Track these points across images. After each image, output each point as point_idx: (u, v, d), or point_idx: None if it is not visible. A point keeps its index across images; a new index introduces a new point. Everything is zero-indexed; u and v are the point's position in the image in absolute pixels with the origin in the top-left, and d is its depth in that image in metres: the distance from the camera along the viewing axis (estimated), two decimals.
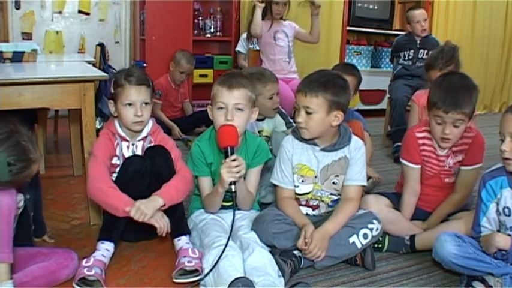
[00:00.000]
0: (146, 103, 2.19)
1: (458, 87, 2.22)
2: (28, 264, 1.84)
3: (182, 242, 2.13)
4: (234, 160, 2.04)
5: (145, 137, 2.27)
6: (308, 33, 4.47)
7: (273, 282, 1.84)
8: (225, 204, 2.28)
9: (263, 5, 4.18)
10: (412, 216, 2.44)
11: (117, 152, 2.23)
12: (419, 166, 2.40)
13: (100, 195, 2.08)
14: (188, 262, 1.99)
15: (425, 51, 4.50)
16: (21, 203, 1.87)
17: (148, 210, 2.02)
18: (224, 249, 1.92)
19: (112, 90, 2.21)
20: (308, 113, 2.11)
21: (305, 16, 4.53)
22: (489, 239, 1.93)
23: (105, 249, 2.04)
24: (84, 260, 1.94)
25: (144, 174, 2.13)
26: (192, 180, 2.26)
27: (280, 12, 4.38)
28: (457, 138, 2.28)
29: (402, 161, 2.46)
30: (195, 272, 1.96)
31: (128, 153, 2.24)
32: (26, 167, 1.66)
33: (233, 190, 2.06)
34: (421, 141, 2.39)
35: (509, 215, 1.93)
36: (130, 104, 2.15)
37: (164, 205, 2.07)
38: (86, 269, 1.89)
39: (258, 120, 2.81)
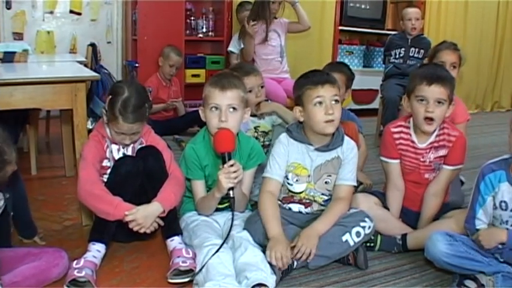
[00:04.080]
0: (136, 133, 2.18)
1: (437, 68, 2.37)
2: (18, 265, 1.83)
3: (175, 242, 2.13)
4: (231, 165, 2.04)
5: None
6: (297, 22, 4.50)
7: (266, 277, 1.85)
8: (218, 206, 2.27)
9: (256, 28, 4.24)
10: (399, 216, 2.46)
11: (108, 155, 2.22)
12: (397, 161, 2.43)
13: (91, 199, 2.07)
14: (183, 262, 1.99)
15: (416, 50, 4.52)
16: (1, 203, 1.87)
17: (147, 221, 2.04)
18: (218, 249, 1.92)
19: (106, 107, 2.16)
20: (337, 102, 2.16)
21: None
22: (490, 233, 1.93)
23: (96, 250, 2.03)
24: (75, 262, 1.94)
25: (136, 174, 2.12)
26: (185, 182, 2.25)
27: (276, 11, 4.40)
28: (440, 120, 2.31)
29: (381, 158, 2.49)
30: (189, 272, 1.96)
31: (118, 156, 2.23)
32: (0, 168, 1.66)
33: (231, 196, 2.06)
34: (396, 136, 2.42)
35: (505, 209, 1.95)
36: (121, 133, 2.15)
37: (163, 212, 2.08)
38: (76, 271, 1.89)
39: (254, 116, 2.80)
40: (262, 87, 2.81)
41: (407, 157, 2.41)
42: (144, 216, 2.04)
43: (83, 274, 1.88)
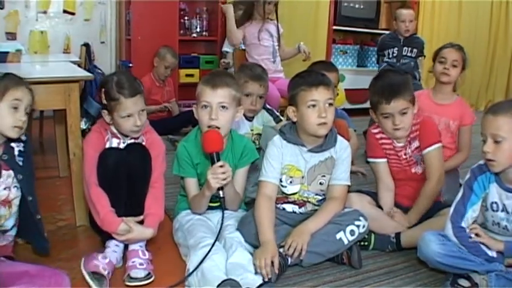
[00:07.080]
0: (142, 110, 2.16)
1: (391, 79, 2.38)
2: (14, 283, 1.65)
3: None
4: (220, 166, 2.04)
5: (138, 136, 2.23)
6: (283, 48, 4.52)
7: (252, 279, 1.86)
8: (211, 204, 2.27)
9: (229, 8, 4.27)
10: None
11: (107, 147, 2.19)
12: (385, 160, 2.47)
13: (89, 204, 2.08)
14: (140, 265, 2.01)
15: (409, 49, 4.52)
16: (14, 188, 1.86)
17: (136, 241, 2.07)
18: (209, 250, 1.91)
19: (104, 101, 2.14)
20: (330, 105, 2.15)
21: (292, 16, 4.54)
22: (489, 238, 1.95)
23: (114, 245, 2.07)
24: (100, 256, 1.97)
25: (123, 165, 2.09)
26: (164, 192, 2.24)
27: (272, 11, 4.39)
28: (409, 126, 2.36)
29: (368, 159, 2.53)
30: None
31: None
32: None
33: (221, 196, 2.06)
34: (378, 136, 2.47)
35: (496, 210, 1.95)
36: (128, 116, 2.11)
37: None
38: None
39: (248, 119, 2.81)
40: (261, 97, 2.83)
41: (391, 157, 2.46)
42: (137, 239, 2.05)
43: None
